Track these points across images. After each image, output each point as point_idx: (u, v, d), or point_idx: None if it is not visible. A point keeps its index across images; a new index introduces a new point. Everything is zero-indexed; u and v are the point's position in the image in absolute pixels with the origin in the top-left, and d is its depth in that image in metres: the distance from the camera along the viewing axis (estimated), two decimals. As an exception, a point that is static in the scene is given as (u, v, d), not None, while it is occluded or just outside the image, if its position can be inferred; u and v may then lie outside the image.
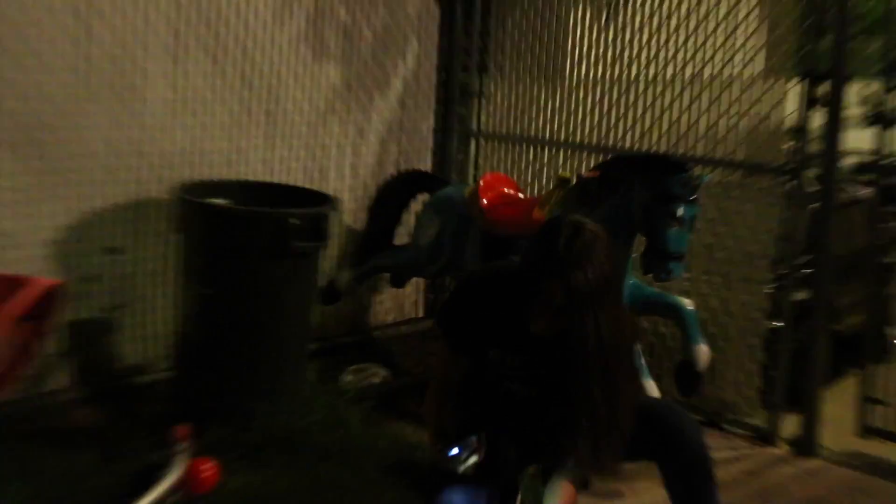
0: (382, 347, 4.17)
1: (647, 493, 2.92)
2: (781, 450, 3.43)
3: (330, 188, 4.02)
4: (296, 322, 3.13)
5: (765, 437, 3.48)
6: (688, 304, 3.23)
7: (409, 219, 4.24)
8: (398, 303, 4.49)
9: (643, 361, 3.06)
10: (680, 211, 2.99)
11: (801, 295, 3.73)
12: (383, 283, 4.38)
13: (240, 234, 2.95)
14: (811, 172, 3.43)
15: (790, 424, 3.50)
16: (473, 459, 2.05)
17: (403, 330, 4.44)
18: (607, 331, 1.92)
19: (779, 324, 3.52)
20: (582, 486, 2.86)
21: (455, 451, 2.07)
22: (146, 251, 3.40)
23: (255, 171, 3.72)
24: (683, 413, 2.20)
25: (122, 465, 2.55)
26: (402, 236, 4.28)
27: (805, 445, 3.40)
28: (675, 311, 3.23)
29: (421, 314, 4.61)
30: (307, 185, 3.84)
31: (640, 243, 3.39)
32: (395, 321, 4.46)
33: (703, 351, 3.20)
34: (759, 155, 3.52)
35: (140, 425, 2.85)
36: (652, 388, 3.04)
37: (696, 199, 3.06)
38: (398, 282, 4.20)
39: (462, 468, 2.06)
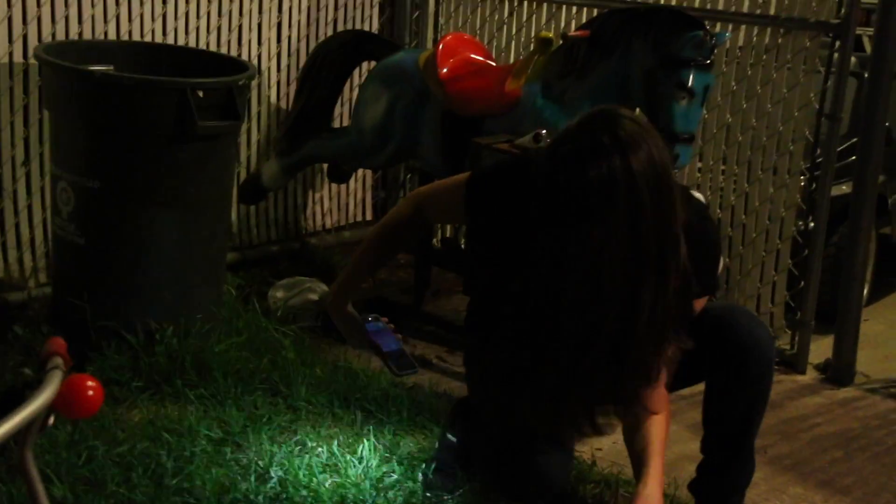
0: (321, 258, 4.29)
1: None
2: (809, 377, 3.65)
3: (248, 55, 4.05)
4: (208, 224, 3.22)
5: (789, 363, 3.69)
6: (698, 198, 3.36)
7: (350, 94, 4.30)
8: (340, 202, 4.60)
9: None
10: (690, 80, 3.10)
11: (842, 189, 3.89)
12: (320, 177, 4.47)
13: (129, 111, 3.00)
14: (863, 30, 3.52)
15: (821, 347, 3.71)
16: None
17: (347, 236, 4.56)
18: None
19: (812, 224, 3.67)
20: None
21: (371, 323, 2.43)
22: (3, 133, 3.44)
23: (145, 30, 3.74)
24: (754, 316, 2.38)
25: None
26: (342, 117, 4.35)
27: (838, 371, 3.62)
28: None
29: (369, 217, 4.73)
30: (217, 50, 3.88)
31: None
32: (336, 225, 4.58)
33: (716, 257, 3.36)
34: (795, 7, 3.60)
35: (11, 351, 2.97)
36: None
37: (710, 64, 3.17)
38: (339, 175, 4.29)
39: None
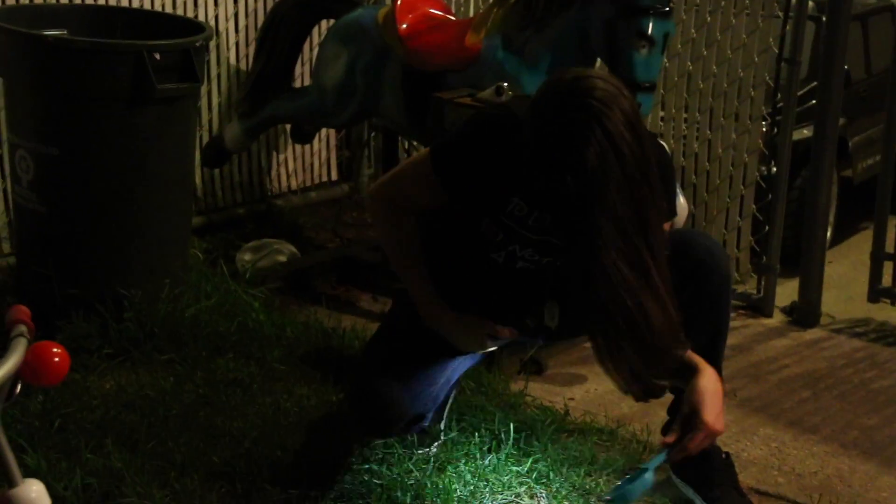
0: (287, 219, 4.27)
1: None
2: (776, 320, 3.69)
3: (204, 16, 3.99)
4: (171, 188, 3.18)
5: (756, 307, 3.73)
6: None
7: (310, 53, 4.25)
8: (305, 163, 4.56)
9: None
10: (649, 28, 3.09)
11: (803, 133, 3.91)
12: (284, 138, 4.43)
13: (85, 76, 2.95)
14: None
15: (787, 290, 3.75)
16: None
17: (313, 197, 4.54)
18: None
19: (775, 169, 3.70)
20: (536, 370, 3.08)
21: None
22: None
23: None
24: (708, 235, 2.33)
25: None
26: (303, 77, 4.31)
27: (804, 314, 3.66)
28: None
29: (334, 177, 4.70)
30: (172, 12, 3.81)
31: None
32: (301, 186, 4.55)
33: (680, 206, 3.37)
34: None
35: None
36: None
37: (669, 11, 3.16)
38: (302, 135, 4.25)
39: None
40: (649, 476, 1.90)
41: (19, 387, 1.45)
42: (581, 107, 1.90)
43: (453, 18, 3.73)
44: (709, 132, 3.79)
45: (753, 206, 3.75)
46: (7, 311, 1.49)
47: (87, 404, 2.62)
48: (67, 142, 3.01)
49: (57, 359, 1.44)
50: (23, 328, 1.46)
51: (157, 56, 2.97)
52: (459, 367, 2.42)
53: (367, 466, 2.41)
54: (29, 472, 1.66)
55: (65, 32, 3.16)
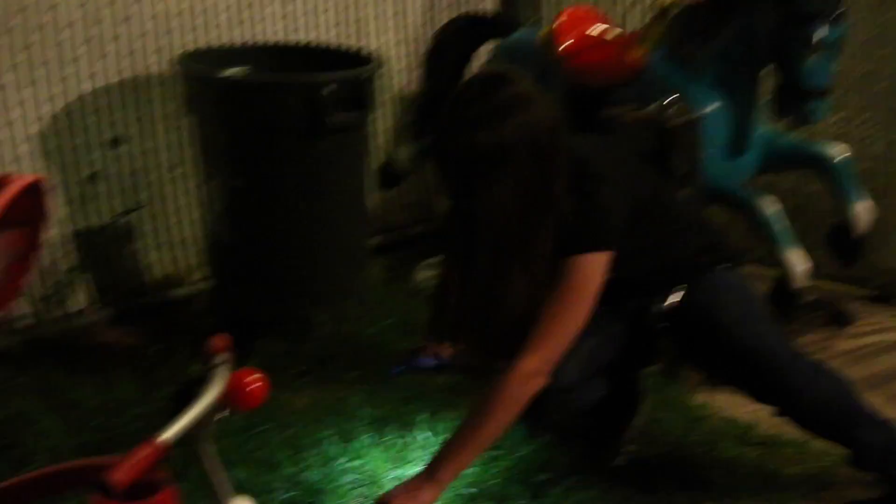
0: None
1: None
2: (966, 325, 3.50)
3: (371, 45, 4.11)
4: (348, 211, 3.30)
5: (943, 313, 3.55)
6: (840, 152, 3.26)
7: (475, 75, 4.30)
8: (470, 182, 4.60)
9: (782, 226, 3.13)
10: (820, 33, 3.00)
11: None
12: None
13: (263, 110, 3.10)
14: None
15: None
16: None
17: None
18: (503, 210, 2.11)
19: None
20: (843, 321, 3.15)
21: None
22: (155, 140, 3.56)
23: (273, 29, 3.82)
24: (794, 362, 2.33)
25: (165, 390, 2.84)
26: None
27: None
28: (823, 163, 3.27)
29: (500, 194, 4.71)
30: (341, 44, 3.95)
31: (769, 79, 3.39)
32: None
33: (863, 209, 3.25)
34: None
35: (180, 344, 3.11)
36: (799, 260, 3.13)
37: (841, 15, 3.05)
38: (469, 156, 4.30)
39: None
40: None
41: (227, 410, 1.53)
42: (492, 99, 2.12)
43: (614, 36, 3.70)
44: (892, 133, 3.62)
45: (939, 211, 3.57)
46: (210, 340, 1.58)
47: (282, 421, 2.74)
48: (252, 173, 3.17)
49: (257, 385, 1.52)
50: (225, 356, 1.55)
51: (329, 88, 3.08)
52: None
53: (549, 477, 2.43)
54: (235, 484, 1.76)
55: (246, 70, 3.33)
